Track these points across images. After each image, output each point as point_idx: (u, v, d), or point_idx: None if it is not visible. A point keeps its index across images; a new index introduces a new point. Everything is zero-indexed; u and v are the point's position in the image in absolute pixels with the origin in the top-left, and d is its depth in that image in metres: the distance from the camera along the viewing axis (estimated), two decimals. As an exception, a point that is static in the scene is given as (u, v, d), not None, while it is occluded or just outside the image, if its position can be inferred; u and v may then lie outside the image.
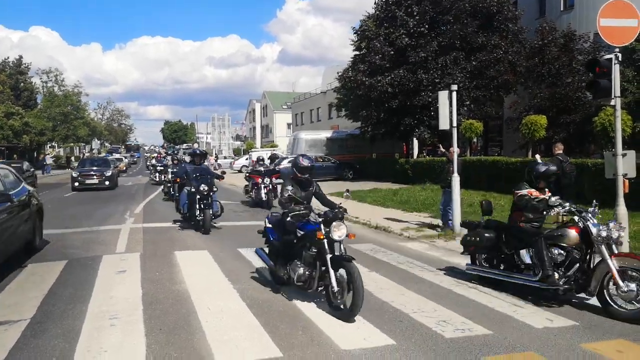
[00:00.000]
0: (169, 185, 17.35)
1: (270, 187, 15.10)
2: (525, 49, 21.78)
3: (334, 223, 5.34)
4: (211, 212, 10.61)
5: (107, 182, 22.62)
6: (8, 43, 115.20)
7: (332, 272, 5.20)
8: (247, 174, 17.28)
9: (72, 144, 58.87)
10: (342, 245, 5.42)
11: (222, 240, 9.74)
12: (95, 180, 22.44)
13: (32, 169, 27.43)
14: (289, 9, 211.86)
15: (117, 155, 55.07)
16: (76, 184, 22.31)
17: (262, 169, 15.98)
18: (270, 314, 5.27)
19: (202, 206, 10.62)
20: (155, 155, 40.40)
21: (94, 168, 23.60)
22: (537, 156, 11.37)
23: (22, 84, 49.17)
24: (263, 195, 15.04)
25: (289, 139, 37.88)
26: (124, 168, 40.51)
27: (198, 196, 10.68)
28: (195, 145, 77.53)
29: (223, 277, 6.82)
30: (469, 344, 4.41)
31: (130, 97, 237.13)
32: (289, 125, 63.54)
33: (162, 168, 25.27)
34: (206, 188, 10.59)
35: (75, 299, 5.86)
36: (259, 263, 7.15)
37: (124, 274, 7.06)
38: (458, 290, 6.12)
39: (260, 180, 15.25)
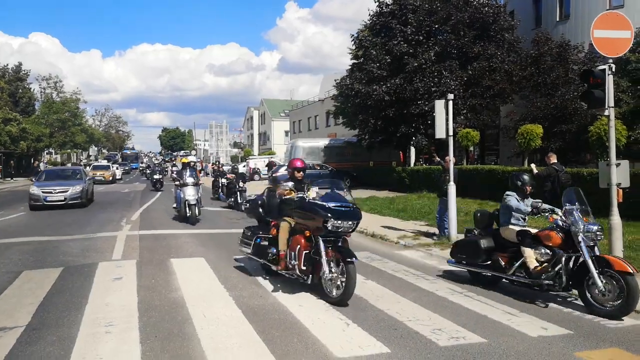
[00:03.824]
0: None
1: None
2: (521, 59, 21.96)
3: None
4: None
5: (76, 199, 17.48)
6: (8, 49, 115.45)
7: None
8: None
9: (69, 150, 58.81)
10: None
11: (218, 247, 9.74)
12: (59, 197, 17.19)
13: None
14: (289, 17, 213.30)
15: (99, 163, 50.54)
16: (35, 202, 17.11)
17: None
18: (265, 321, 5.28)
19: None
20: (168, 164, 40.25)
21: (59, 182, 18.28)
22: (533, 165, 11.43)
23: (20, 90, 49.19)
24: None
25: (286, 147, 37.96)
26: (110, 178, 36.65)
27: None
28: (193, 153, 77.62)
29: (219, 284, 6.82)
30: (463, 353, 4.42)
31: (129, 104, 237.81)
32: (286, 132, 63.72)
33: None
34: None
35: (70, 306, 5.85)
36: (259, 269, 7.15)
37: (120, 281, 7.06)
38: (453, 299, 6.14)
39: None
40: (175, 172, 15.95)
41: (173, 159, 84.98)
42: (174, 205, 14.21)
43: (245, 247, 7.42)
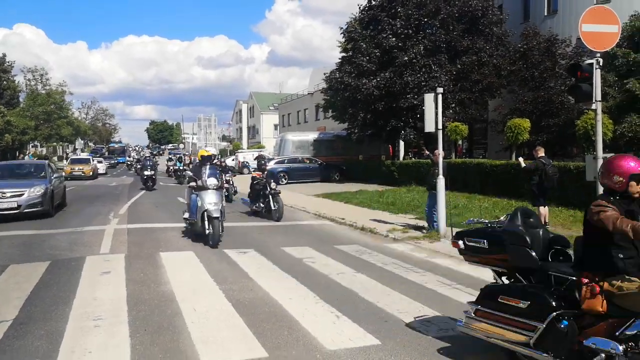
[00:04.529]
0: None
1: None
2: (510, 53, 22.08)
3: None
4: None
5: (35, 206, 12.61)
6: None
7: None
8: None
9: (54, 143, 58.04)
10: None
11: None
12: (10, 204, 12.38)
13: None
14: (278, 10, 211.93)
15: (80, 155, 45.77)
16: None
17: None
18: (256, 314, 5.28)
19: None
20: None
21: (11, 182, 13.21)
22: (521, 159, 11.53)
23: (5, 82, 48.34)
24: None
25: (275, 140, 37.86)
26: (90, 173, 32.37)
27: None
28: (181, 146, 77.02)
29: (209, 277, 6.80)
30: (453, 343, 4.46)
31: (116, 97, 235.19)
32: (275, 126, 63.46)
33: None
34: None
35: (58, 300, 5.80)
36: (249, 263, 7.15)
37: (108, 275, 7.01)
38: (442, 291, 6.19)
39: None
40: (190, 169, 12.02)
41: (161, 152, 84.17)
42: (185, 215, 10.24)
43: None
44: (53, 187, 13.77)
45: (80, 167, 32.32)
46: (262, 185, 13.14)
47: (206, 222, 9.14)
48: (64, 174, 16.59)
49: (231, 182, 17.40)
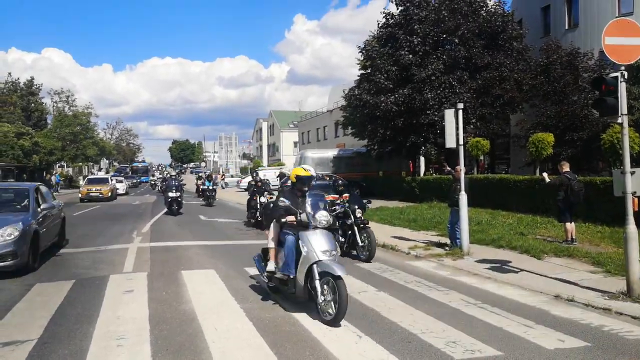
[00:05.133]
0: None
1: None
2: (531, 67, 21.88)
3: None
4: None
5: (3, 258, 7.96)
6: (22, 65, 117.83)
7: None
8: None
9: (80, 163, 59.38)
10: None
11: (228, 259, 9.72)
12: None
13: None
14: (297, 30, 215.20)
15: (97, 174, 42.29)
16: None
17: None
18: (277, 334, 5.23)
19: None
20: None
21: None
22: (545, 174, 11.31)
23: (33, 104, 49.92)
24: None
25: (295, 158, 38.02)
26: (109, 194, 29.73)
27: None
28: (203, 164, 77.97)
29: (230, 296, 6.79)
30: (479, 366, 4.33)
31: (140, 117, 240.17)
32: (295, 143, 63.88)
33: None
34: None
35: (82, 319, 5.85)
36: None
37: (131, 293, 7.05)
38: (467, 310, 6.05)
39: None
40: (281, 192, 7.04)
41: (183, 171, 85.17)
42: (270, 266, 6.45)
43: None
44: (38, 224, 9.18)
45: (98, 188, 29.76)
46: (341, 213, 9.89)
47: (317, 283, 5.71)
48: (61, 203, 11.90)
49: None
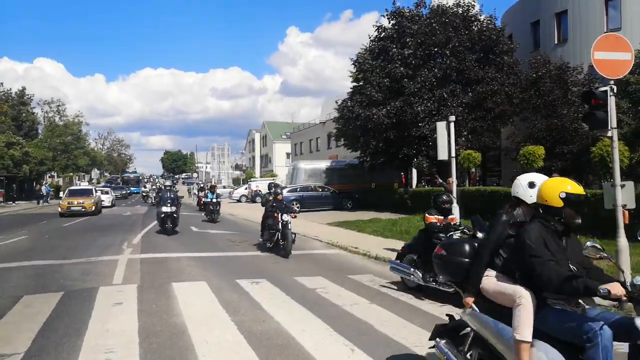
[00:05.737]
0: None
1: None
2: (521, 81, 22.14)
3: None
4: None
5: None
6: (13, 74, 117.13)
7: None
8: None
9: (71, 173, 58.95)
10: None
11: (219, 271, 9.64)
12: None
13: None
14: (290, 42, 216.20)
15: (80, 185, 37.96)
16: None
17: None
18: (269, 347, 5.17)
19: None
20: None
21: None
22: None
23: (24, 114, 49.61)
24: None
25: (288, 169, 38.05)
26: (92, 208, 26.27)
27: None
28: (195, 175, 77.65)
29: (221, 308, 6.72)
30: (472, 379, 4.30)
31: (132, 128, 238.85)
32: (288, 155, 63.93)
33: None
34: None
35: (70, 331, 5.75)
36: (262, 293, 7.05)
37: (120, 306, 6.96)
38: (459, 323, 6.02)
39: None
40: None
41: (175, 182, 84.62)
42: None
43: None
44: None
45: (81, 201, 26.07)
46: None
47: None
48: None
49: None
